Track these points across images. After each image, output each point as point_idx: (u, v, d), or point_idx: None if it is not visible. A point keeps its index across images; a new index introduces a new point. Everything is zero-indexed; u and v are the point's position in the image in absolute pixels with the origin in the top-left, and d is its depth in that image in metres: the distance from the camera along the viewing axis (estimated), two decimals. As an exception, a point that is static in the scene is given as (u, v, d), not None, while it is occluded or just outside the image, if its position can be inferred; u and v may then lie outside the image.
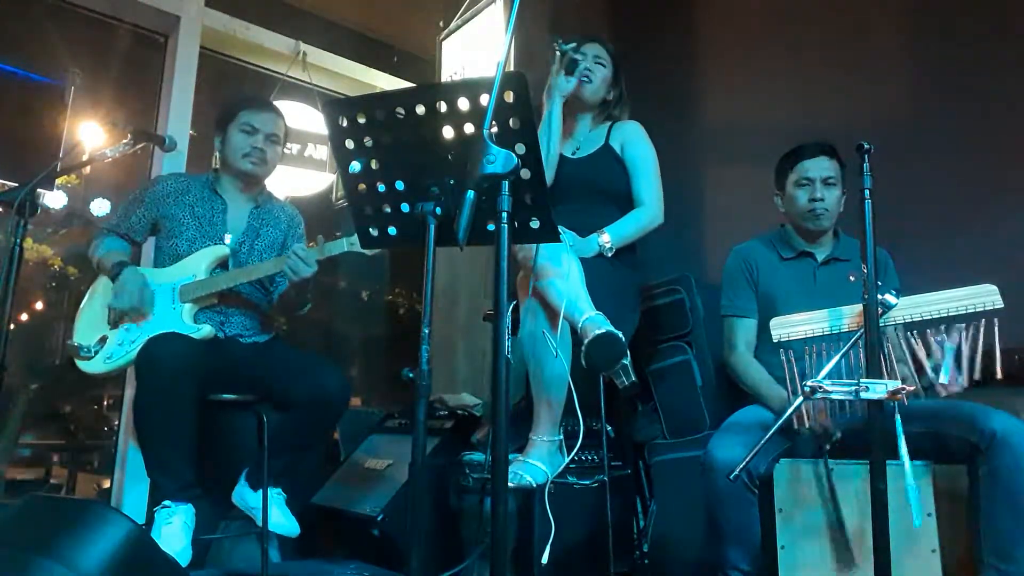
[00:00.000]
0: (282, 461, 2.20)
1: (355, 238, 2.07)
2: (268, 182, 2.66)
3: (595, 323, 1.87)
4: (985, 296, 1.60)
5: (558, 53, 2.33)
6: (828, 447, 1.76)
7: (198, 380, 2.08)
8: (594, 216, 2.31)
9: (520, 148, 1.39)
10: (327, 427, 2.35)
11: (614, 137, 2.45)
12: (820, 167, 2.10)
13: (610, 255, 2.23)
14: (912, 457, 1.67)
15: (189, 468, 2.07)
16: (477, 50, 3.49)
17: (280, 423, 2.19)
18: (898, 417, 1.49)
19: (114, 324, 2.30)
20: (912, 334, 1.65)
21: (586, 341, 1.86)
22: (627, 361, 1.88)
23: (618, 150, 2.43)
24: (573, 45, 2.36)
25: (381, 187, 1.54)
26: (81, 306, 2.41)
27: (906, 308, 1.64)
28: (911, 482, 1.47)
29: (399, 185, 1.53)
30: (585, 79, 2.39)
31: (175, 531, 1.99)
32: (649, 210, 2.35)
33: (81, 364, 2.30)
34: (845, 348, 1.61)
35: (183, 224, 2.40)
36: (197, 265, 2.34)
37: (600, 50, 2.47)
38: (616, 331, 1.86)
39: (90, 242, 2.46)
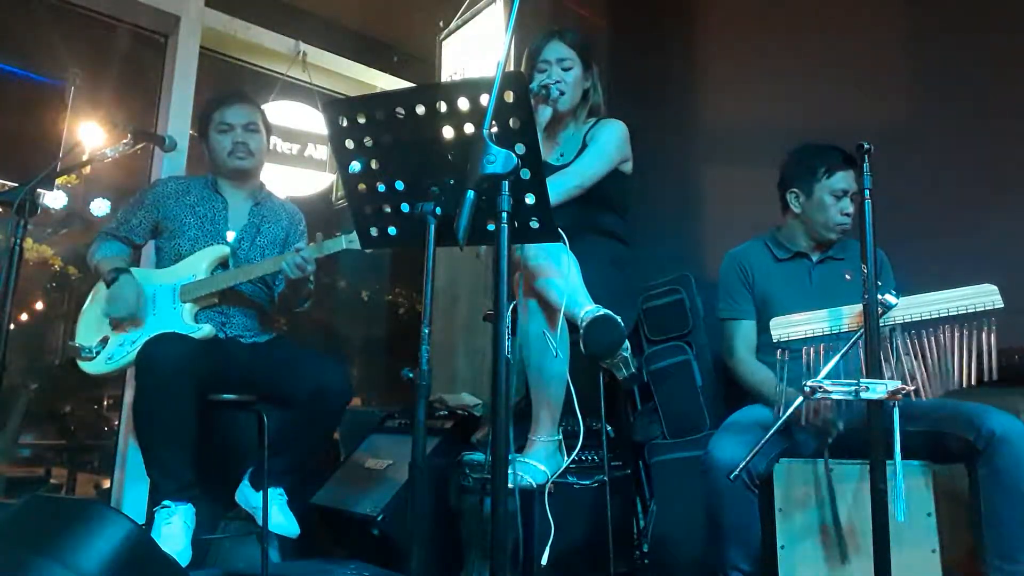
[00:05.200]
0: (284, 460, 2.20)
1: (353, 236, 2.08)
2: (268, 181, 2.65)
3: (595, 312, 1.89)
4: (985, 296, 1.60)
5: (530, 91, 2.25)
6: (830, 442, 1.75)
7: (198, 380, 2.08)
8: (581, 218, 2.25)
9: (520, 148, 1.39)
10: (329, 424, 2.33)
11: (591, 136, 2.33)
12: (852, 179, 2.07)
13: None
14: (911, 457, 1.68)
15: (188, 468, 2.07)
16: (477, 50, 3.49)
17: (282, 421, 2.19)
18: (896, 415, 1.49)
19: (115, 325, 2.30)
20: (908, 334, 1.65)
21: (583, 325, 1.86)
22: (627, 353, 1.89)
23: None
24: (542, 80, 2.25)
25: (381, 187, 1.54)
26: (83, 307, 2.41)
27: (906, 308, 1.64)
28: (900, 481, 1.47)
29: (399, 185, 1.53)
30: (560, 94, 2.26)
31: (175, 531, 1.98)
32: (570, 176, 2.19)
33: (83, 365, 2.30)
34: (845, 348, 1.61)
35: (185, 224, 2.40)
36: (197, 265, 2.34)
37: (564, 49, 2.31)
38: (613, 315, 1.86)
39: (89, 245, 2.47)
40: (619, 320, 1.88)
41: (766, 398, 1.97)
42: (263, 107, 2.67)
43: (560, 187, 2.13)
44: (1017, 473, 1.60)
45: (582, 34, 2.42)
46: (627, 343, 1.93)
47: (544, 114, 2.25)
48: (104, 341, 2.28)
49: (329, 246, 2.18)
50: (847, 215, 2.08)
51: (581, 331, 1.89)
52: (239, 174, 2.49)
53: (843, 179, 2.08)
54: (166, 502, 2.02)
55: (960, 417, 1.72)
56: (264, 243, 2.49)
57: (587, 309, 1.91)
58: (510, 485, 1.87)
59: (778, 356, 1.71)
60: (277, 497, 2.21)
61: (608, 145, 2.29)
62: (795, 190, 2.16)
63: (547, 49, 2.33)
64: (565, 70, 2.32)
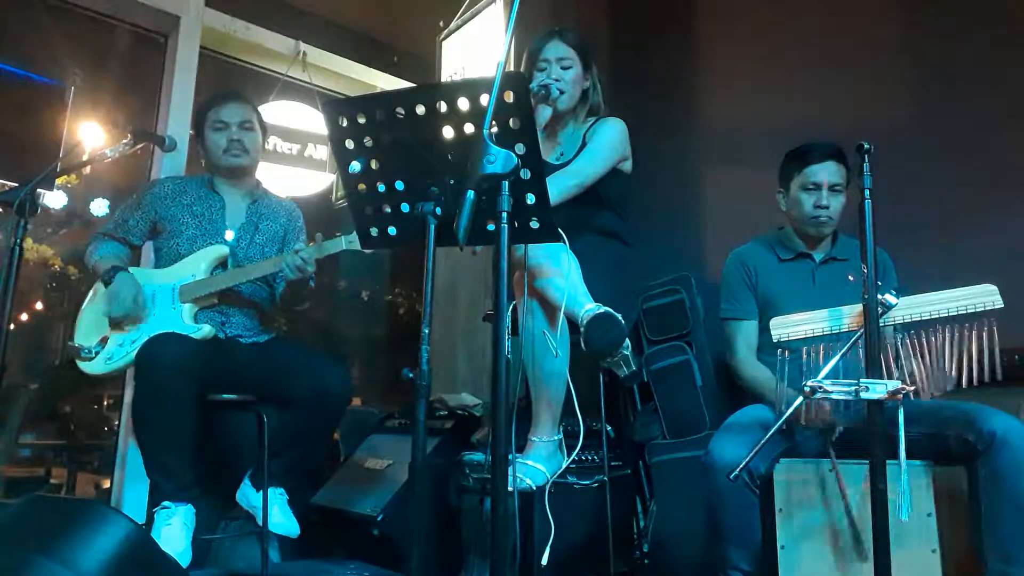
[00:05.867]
0: (285, 460, 2.20)
1: (353, 237, 2.07)
2: (267, 181, 2.65)
3: (596, 311, 1.90)
4: (985, 296, 1.60)
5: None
6: (834, 439, 1.74)
7: (197, 380, 2.08)
8: (581, 218, 2.26)
9: (520, 148, 1.39)
10: (329, 424, 2.32)
11: (590, 134, 2.33)
12: (828, 172, 2.06)
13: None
14: (912, 458, 1.67)
15: (188, 468, 2.07)
16: (477, 50, 3.49)
17: (282, 421, 2.19)
18: (900, 415, 1.49)
19: (115, 325, 2.30)
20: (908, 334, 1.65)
21: (584, 323, 1.87)
22: (628, 351, 1.90)
23: None
24: (541, 79, 2.25)
25: (381, 187, 1.54)
26: (82, 307, 2.41)
27: (906, 308, 1.64)
28: (905, 483, 1.47)
29: (399, 185, 1.53)
30: (560, 93, 2.25)
31: (175, 532, 1.99)
32: (569, 176, 2.19)
33: (82, 365, 2.30)
34: (845, 348, 1.61)
35: (183, 224, 2.40)
36: (197, 265, 2.34)
37: (563, 49, 2.31)
38: (614, 312, 1.87)
39: (87, 246, 2.47)
40: (620, 318, 1.89)
41: (766, 400, 1.97)
42: (263, 107, 2.68)
43: (558, 186, 2.12)
44: (1017, 474, 1.60)
45: (582, 34, 2.42)
46: (628, 341, 1.94)
47: (544, 114, 2.25)
48: (103, 341, 2.28)
49: (329, 247, 2.18)
50: (821, 207, 2.06)
51: (582, 329, 1.90)
52: (234, 172, 2.50)
53: (817, 172, 2.07)
54: (166, 502, 2.02)
55: (960, 417, 1.71)
56: (263, 240, 2.49)
57: (588, 308, 1.91)
58: (510, 486, 1.88)
59: (779, 355, 1.71)
60: (278, 497, 2.21)
61: (606, 144, 2.29)
62: (781, 189, 2.19)
63: (547, 48, 2.33)
64: (564, 69, 2.32)
